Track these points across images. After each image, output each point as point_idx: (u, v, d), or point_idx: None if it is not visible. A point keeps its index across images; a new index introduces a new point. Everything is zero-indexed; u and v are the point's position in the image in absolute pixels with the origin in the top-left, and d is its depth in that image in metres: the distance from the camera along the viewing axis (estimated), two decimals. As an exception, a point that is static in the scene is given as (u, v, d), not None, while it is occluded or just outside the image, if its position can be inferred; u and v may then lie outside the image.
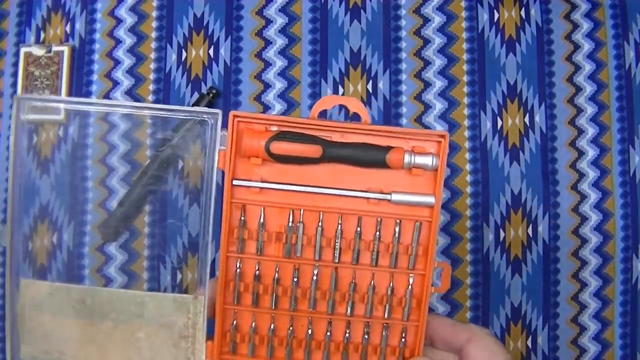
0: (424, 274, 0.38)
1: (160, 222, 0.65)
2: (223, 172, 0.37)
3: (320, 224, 0.39)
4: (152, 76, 0.68)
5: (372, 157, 0.37)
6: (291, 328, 0.40)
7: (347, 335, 0.40)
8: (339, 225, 0.39)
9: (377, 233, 0.39)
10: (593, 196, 0.65)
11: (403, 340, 0.39)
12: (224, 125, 0.36)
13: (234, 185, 0.38)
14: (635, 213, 0.65)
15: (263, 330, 0.40)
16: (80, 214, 0.65)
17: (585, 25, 0.67)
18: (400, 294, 0.39)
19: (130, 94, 0.67)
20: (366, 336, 0.40)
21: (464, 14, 0.67)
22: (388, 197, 0.38)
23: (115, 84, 0.68)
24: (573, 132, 0.66)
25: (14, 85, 0.68)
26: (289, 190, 0.38)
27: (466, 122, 0.66)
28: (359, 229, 0.39)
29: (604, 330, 0.65)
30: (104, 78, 0.68)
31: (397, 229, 0.38)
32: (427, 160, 0.37)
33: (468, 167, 0.65)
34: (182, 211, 0.65)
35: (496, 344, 0.37)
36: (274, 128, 0.37)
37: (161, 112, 0.38)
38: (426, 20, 0.67)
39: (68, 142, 0.66)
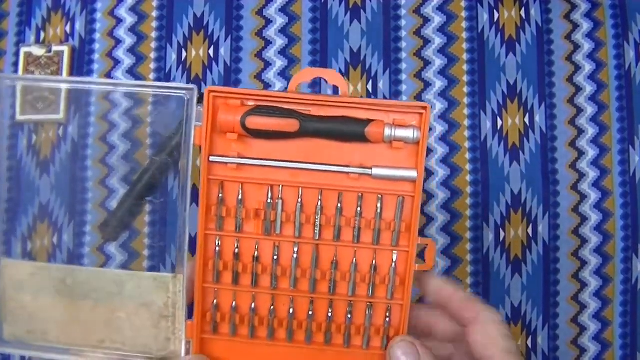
0: (407, 251, 0.38)
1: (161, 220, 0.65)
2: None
3: (299, 200, 0.38)
4: (152, 76, 0.68)
5: (351, 131, 0.36)
6: (272, 307, 0.39)
7: (329, 314, 0.39)
8: (319, 202, 0.37)
9: (358, 209, 0.38)
10: (593, 196, 0.65)
11: (387, 319, 0.39)
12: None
13: (211, 161, 0.37)
14: (635, 213, 0.65)
15: (244, 309, 0.39)
16: (80, 214, 0.65)
17: (585, 25, 0.67)
18: (384, 272, 0.38)
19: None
20: (349, 315, 0.39)
21: (464, 14, 0.67)
22: (369, 171, 0.37)
23: (115, 83, 0.68)
24: (573, 132, 0.66)
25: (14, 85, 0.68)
26: (267, 166, 0.37)
27: (466, 122, 0.66)
28: (339, 205, 0.38)
29: (604, 330, 0.65)
30: (104, 78, 0.68)
31: (378, 205, 0.37)
32: (408, 133, 0.36)
33: (468, 167, 0.65)
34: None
35: (499, 331, 0.36)
36: (251, 103, 0.37)
37: (135, 89, 0.38)
38: (426, 20, 0.67)
39: (68, 142, 0.66)
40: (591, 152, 0.66)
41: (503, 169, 0.66)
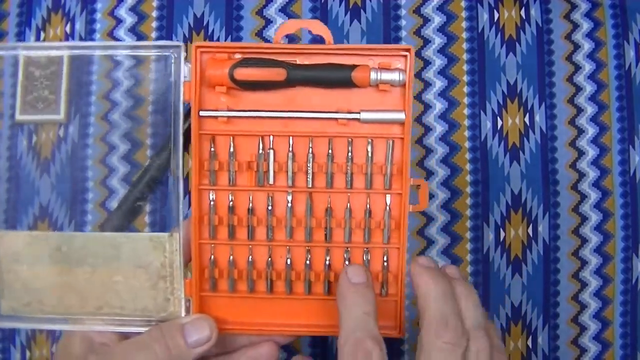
0: (400, 193, 0.38)
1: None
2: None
3: (290, 149, 0.38)
4: (152, 76, 0.68)
5: (338, 77, 0.36)
6: (269, 259, 0.39)
7: (327, 263, 0.39)
8: (310, 149, 0.38)
9: (349, 154, 0.38)
10: (593, 196, 0.65)
11: (385, 264, 0.39)
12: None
13: (201, 116, 0.37)
14: (635, 213, 0.65)
15: (241, 264, 0.39)
16: (80, 214, 0.65)
17: (585, 25, 0.67)
18: (379, 216, 0.38)
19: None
20: (347, 262, 0.39)
21: (464, 14, 0.67)
22: (357, 116, 0.37)
23: (115, 84, 0.68)
24: (573, 132, 0.66)
25: (14, 85, 0.68)
26: (256, 117, 0.38)
27: (466, 122, 0.66)
28: (330, 151, 0.38)
29: (604, 330, 0.65)
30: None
31: (369, 149, 0.38)
32: (394, 76, 0.36)
33: (468, 167, 0.65)
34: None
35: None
36: (238, 56, 0.37)
37: (122, 51, 0.38)
38: (426, 20, 0.67)
39: (68, 142, 0.66)
40: (591, 152, 0.66)
41: (503, 169, 0.66)
